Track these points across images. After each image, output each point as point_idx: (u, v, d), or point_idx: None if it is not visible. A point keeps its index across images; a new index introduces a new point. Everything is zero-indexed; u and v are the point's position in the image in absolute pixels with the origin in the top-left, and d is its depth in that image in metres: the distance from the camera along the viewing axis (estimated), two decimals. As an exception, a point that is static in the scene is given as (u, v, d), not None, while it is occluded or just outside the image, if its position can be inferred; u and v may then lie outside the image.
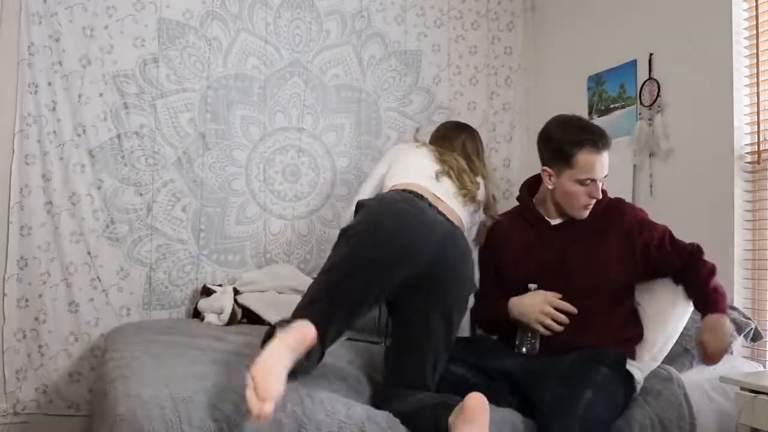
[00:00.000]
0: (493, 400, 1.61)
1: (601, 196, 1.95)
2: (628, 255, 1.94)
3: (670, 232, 1.98)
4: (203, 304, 2.71)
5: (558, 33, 3.30)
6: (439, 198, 2.04)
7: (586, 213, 1.96)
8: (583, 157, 1.88)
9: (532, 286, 1.94)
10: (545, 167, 1.98)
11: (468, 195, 2.13)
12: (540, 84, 3.42)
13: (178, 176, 2.89)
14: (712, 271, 1.89)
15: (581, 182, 1.90)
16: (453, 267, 1.87)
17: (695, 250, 1.94)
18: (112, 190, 2.79)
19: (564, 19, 3.26)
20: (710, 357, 1.76)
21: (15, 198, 2.64)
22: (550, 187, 1.98)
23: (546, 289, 1.92)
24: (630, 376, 1.86)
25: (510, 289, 2.00)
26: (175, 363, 1.82)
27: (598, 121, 2.93)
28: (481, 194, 2.23)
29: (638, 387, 1.88)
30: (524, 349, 1.93)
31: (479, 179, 2.24)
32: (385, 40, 3.24)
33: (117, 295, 2.78)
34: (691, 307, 1.98)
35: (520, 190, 2.17)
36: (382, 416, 1.65)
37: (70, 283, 2.71)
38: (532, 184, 2.12)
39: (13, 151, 2.65)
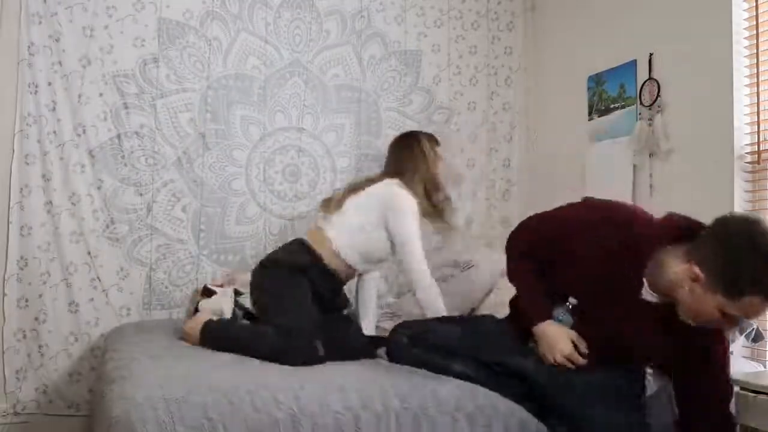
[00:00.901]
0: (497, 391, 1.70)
1: (730, 330, 1.71)
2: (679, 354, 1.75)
3: (724, 371, 1.75)
4: (204, 304, 2.71)
5: (558, 33, 3.30)
6: None
7: (696, 323, 1.63)
8: (754, 301, 1.51)
9: (572, 300, 1.80)
10: (699, 268, 1.55)
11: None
12: (540, 84, 3.42)
13: (178, 176, 2.89)
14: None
15: (729, 318, 1.56)
16: None
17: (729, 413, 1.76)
18: (112, 190, 2.79)
19: (564, 19, 3.26)
20: None
21: (15, 198, 2.64)
22: (686, 287, 1.59)
23: (593, 316, 1.77)
24: (643, 386, 1.86)
25: (548, 281, 1.85)
26: (172, 363, 1.82)
27: (598, 120, 2.93)
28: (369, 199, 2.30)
29: (648, 391, 1.88)
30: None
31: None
32: (385, 40, 3.24)
33: (117, 295, 2.78)
34: None
35: (662, 232, 1.70)
36: (378, 400, 1.66)
37: (70, 283, 2.71)
38: (676, 237, 1.65)
39: (13, 151, 2.65)
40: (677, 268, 1.61)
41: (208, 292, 2.76)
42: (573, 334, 1.80)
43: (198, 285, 2.89)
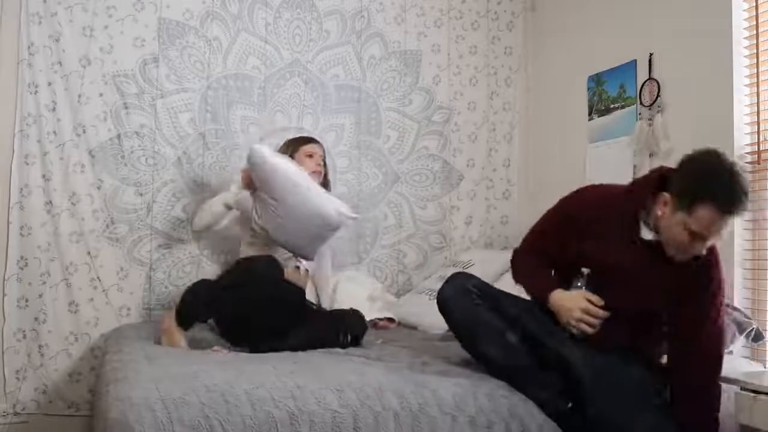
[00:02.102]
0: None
1: (700, 254, 1.76)
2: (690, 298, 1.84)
3: (720, 325, 1.85)
4: None
5: (558, 33, 3.30)
6: None
7: (677, 258, 1.79)
8: (706, 210, 1.67)
9: (585, 270, 1.87)
10: (666, 193, 1.78)
11: None
12: (540, 84, 3.42)
13: (178, 176, 2.89)
14: (717, 406, 1.82)
15: (691, 232, 1.71)
16: None
17: (719, 361, 1.84)
18: (112, 190, 2.79)
19: (564, 19, 3.26)
20: None
21: (15, 198, 2.64)
22: (659, 213, 1.79)
23: (607, 285, 1.84)
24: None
25: (565, 257, 1.92)
26: (169, 363, 1.82)
27: (598, 120, 2.93)
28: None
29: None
30: (574, 332, 1.89)
31: None
32: (385, 40, 3.24)
33: (117, 295, 2.78)
34: None
35: (646, 182, 1.89)
36: (375, 398, 1.66)
37: (70, 283, 2.71)
38: (659, 180, 1.85)
39: (13, 151, 2.65)
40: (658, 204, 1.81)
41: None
42: (584, 292, 1.86)
43: (198, 285, 2.90)
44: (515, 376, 1.84)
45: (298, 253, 2.53)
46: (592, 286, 1.87)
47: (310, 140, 2.76)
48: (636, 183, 1.95)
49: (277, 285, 2.28)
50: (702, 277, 1.81)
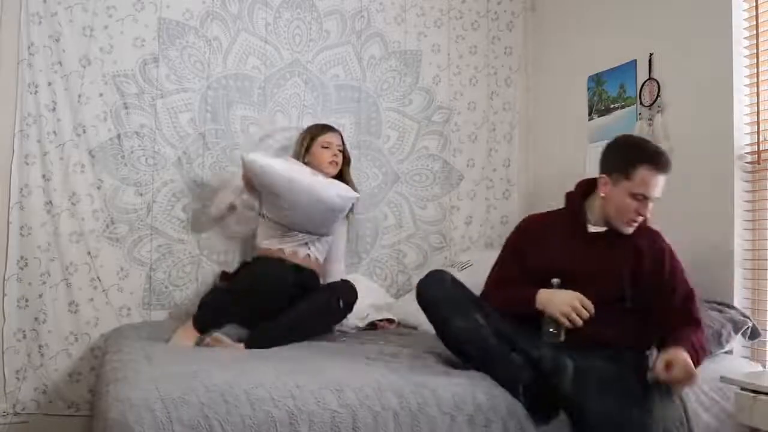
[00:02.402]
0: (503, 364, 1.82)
1: (649, 216, 1.99)
2: (647, 281, 1.97)
3: (693, 297, 1.97)
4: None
5: (558, 33, 3.30)
6: None
7: (631, 229, 1.98)
8: (642, 172, 1.92)
9: (555, 281, 1.93)
10: (603, 174, 2.01)
11: None
12: (540, 84, 3.42)
13: (178, 176, 2.89)
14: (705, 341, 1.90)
15: (634, 196, 1.93)
16: None
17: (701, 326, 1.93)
18: (112, 190, 2.79)
19: (564, 19, 3.26)
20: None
21: (15, 198, 2.64)
22: (602, 195, 2.00)
23: (569, 288, 1.92)
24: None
25: (528, 280, 2.02)
26: (169, 364, 1.82)
27: (598, 120, 2.94)
28: None
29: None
30: (551, 338, 1.90)
31: None
32: (385, 40, 3.24)
33: (117, 295, 2.78)
34: None
35: (576, 191, 2.14)
36: (375, 398, 1.66)
37: (70, 283, 2.71)
38: (586, 186, 2.11)
39: (13, 151, 2.65)
40: (596, 192, 2.03)
41: (226, 277, 2.76)
42: (572, 292, 1.90)
43: (198, 285, 2.90)
44: (482, 352, 1.87)
45: (315, 233, 2.58)
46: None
47: (326, 129, 2.76)
48: (568, 195, 2.14)
49: (283, 287, 2.39)
50: (655, 252, 1.99)
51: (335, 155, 2.71)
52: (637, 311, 1.97)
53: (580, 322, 1.87)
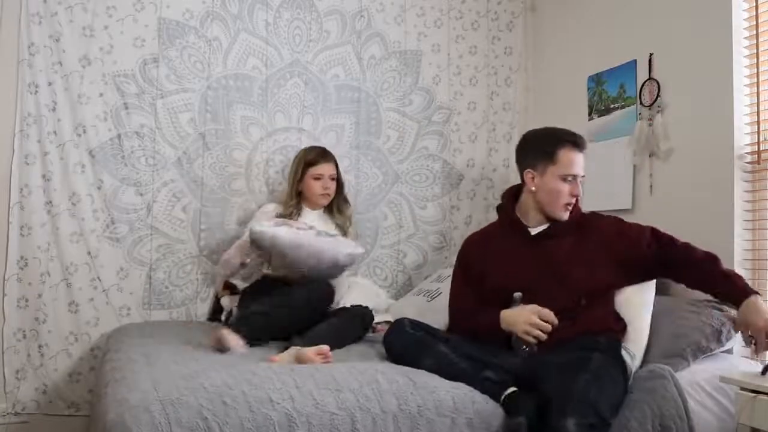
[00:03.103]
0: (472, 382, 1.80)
1: (581, 194, 2.11)
2: (612, 261, 2.05)
3: (654, 229, 2.09)
4: (226, 301, 2.71)
5: (558, 33, 3.30)
6: None
7: (567, 214, 2.09)
8: (564, 153, 2.06)
9: (517, 295, 1.98)
10: (528, 170, 2.11)
11: None
12: (540, 84, 3.41)
13: (178, 176, 2.89)
14: (716, 258, 1.98)
15: (564, 178, 2.05)
16: None
17: (685, 243, 2.04)
18: (112, 190, 2.80)
19: (564, 19, 3.25)
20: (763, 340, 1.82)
21: (15, 198, 2.64)
22: (533, 188, 2.09)
23: (531, 295, 1.97)
24: (623, 361, 1.94)
25: (490, 299, 2.07)
26: (168, 363, 1.82)
27: (598, 120, 2.93)
28: None
29: (631, 372, 1.95)
30: (525, 354, 1.95)
31: None
32: (385, 40, 3.24)
33: (117, 295, 2.78)
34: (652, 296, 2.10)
35: (502, 200, 2.26)
36: (374, 400, 1.66)
37: (70, 283, 2.71)
38: (513, 195, 2.22)
39: (13, 151, 2.65)
40: (525, 193, 2.15)
41: (231, 287, 2.76)
42: (530, 306, 1.94)
43: (198, 285, 2.90)
44: (457, 379, 1.85)
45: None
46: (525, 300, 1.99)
47: (318, 158, 2.77)
48: (499, 206, 2.27)
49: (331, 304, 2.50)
50: (596, 227, 2.10)
51: (326, 188, 2.76)
52: (608, 305, 2.04)
53: (544, 337, 1.90)
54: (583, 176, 2.10)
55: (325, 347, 2.05)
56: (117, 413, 1.49)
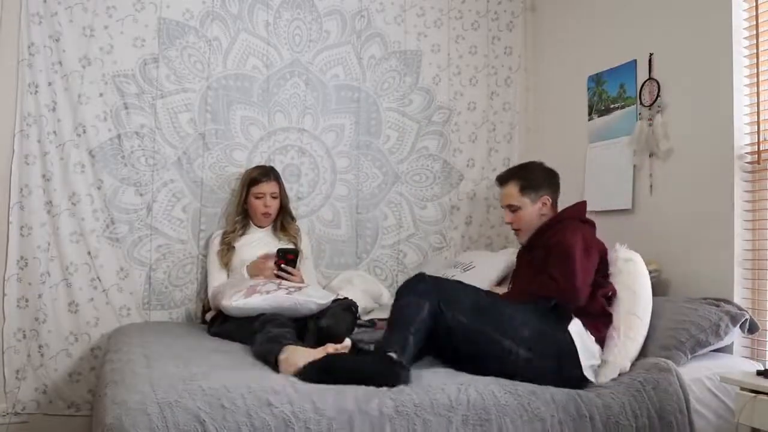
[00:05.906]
0: None
1: (509, 222, 2.45)
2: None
3: (564, 257, 2.11)
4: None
5: (558, 33, 3.30)
6: None
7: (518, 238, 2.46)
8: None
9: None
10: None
11: None
12: (540, 84, 3.42)
13: (178, 176, 2.89)
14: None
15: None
16: None
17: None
18: (112, 190, 2.80)
19: (564, 19, 3.25)
20: None
21: (15, 198, 2.64)
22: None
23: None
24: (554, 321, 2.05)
25: None
26: (167, 365, 1.82)
27: (598, 120, 2.94)
28: None
29: (573, 333, 2.01)
30: None
31: None
32: (385, 40, 3.24)
33: (117, 295, 2.78)
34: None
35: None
36: (373, 403, 1.66)
37: (70, 283, 2.71)
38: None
39: (13, 151, 2.65)
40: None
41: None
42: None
43: (198, 285, 2.90)
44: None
45: None
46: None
47: (259, 178, 2.79)
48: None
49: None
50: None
51: (267, 206, 2.79)
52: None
53: None
54: (508, 205, 2.40)
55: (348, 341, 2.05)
56: (115, 416, 1.49)
